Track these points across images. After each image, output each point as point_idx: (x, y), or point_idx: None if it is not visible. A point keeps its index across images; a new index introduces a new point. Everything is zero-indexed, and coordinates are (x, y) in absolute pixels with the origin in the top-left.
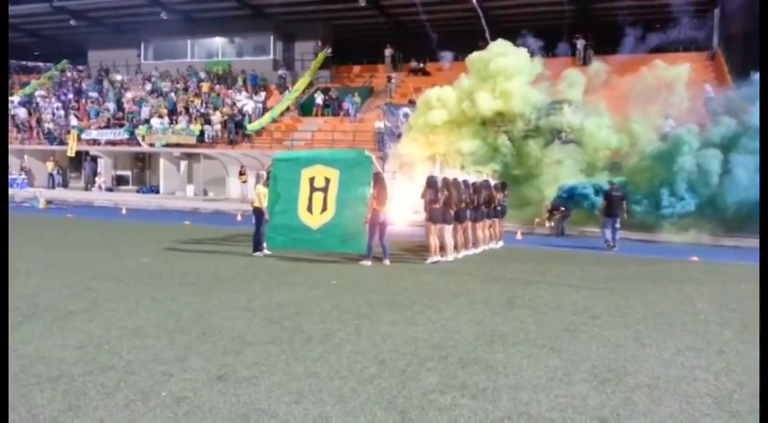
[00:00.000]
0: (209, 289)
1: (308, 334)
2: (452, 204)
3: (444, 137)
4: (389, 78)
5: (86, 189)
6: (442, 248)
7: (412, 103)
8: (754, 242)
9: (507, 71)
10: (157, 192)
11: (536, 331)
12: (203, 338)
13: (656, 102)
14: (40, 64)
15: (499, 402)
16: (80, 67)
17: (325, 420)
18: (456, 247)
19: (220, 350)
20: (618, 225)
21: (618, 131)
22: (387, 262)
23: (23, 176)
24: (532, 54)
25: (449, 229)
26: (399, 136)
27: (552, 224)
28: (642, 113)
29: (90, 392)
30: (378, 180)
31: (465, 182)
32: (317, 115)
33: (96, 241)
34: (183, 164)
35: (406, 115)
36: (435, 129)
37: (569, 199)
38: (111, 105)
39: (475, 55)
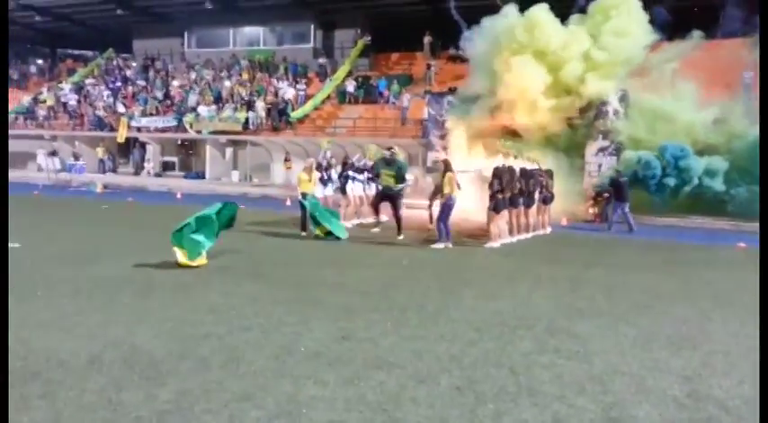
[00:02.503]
0: (296, 266)
1: (403, 306)
2: (509, 192)
3: (554, 116)
4: (429, 66)
5: (136, 174)
6: (500, 235)
7: (452, 90)
8: None
9: (620, 55)
10: (203, 177)
11: (608, 306)
12: (315, 307)
13: None
14: (87, 52)
15: (593, 363)
16: (125, 56)
17: (448, 372)
18: (510, 232)
19: (333, 317)
20: (627, 208)
21: (719, 126)
22: (449, 245)
23: (82, 162)
24: None
25: (506, 215)
26: (443, 124)
27: (596, 211)
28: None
29: (241, 347)
30: (449, 167)
31: (521, 169)
32: (350, 103)
33: (170, 223)
34: (229, 150)
35: (449, 103)
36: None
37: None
38: (159, 93)
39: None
